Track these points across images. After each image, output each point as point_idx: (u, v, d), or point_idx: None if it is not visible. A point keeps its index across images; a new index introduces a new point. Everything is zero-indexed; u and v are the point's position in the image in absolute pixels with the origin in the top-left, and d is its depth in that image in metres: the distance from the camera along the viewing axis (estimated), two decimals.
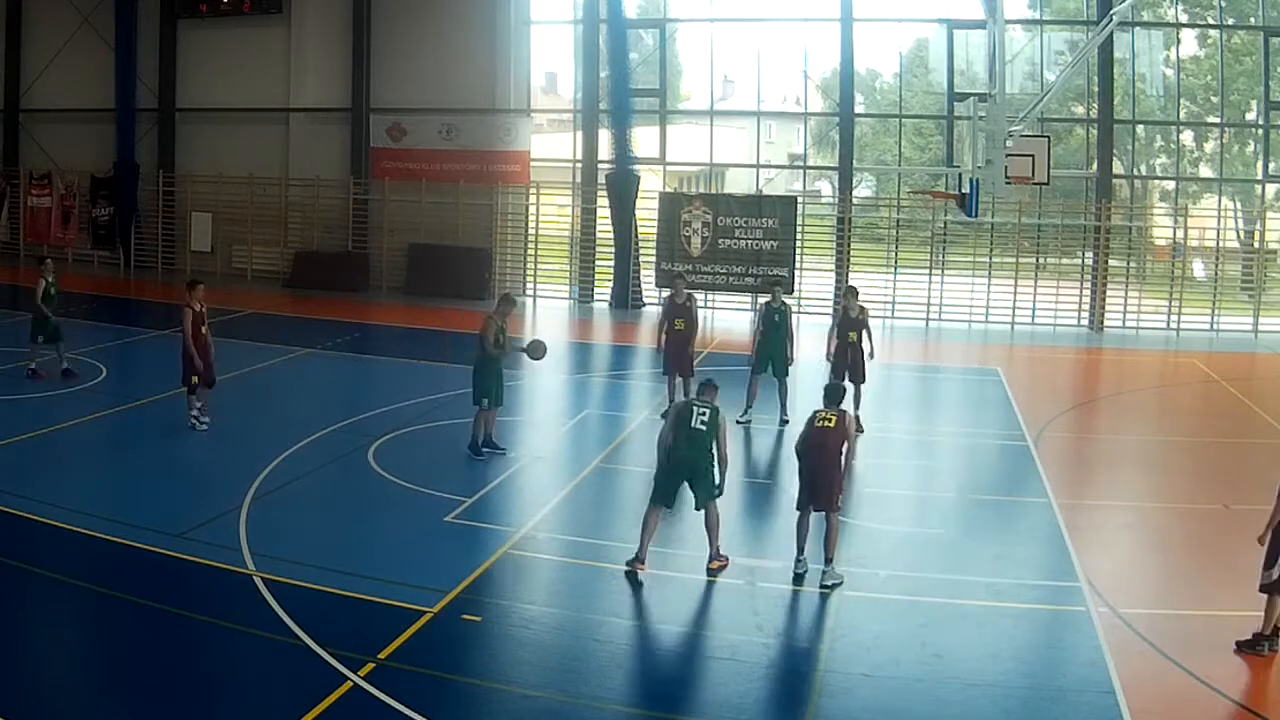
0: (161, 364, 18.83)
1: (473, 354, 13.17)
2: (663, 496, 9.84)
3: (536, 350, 13.17)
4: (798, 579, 9.66)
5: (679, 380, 15.04)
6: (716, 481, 9.84)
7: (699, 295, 25.77)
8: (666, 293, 16.22)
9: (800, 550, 9.80)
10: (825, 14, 25.74)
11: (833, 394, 10.34)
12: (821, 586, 9.52)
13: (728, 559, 9.92)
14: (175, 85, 29.18)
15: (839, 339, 14.90)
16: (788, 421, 14.83)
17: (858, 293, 15.59)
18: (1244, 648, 8.44)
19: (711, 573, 9.78)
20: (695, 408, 9.96)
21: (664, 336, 15.17)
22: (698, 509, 9.83)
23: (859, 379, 14.64)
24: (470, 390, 13.01)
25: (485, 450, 12.96)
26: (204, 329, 14.04)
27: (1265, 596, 8.46)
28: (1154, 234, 27.46)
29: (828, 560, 9.64)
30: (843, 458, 9.85)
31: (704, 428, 9.81)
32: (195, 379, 13.84)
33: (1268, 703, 7.77)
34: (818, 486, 9.74)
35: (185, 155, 29.30)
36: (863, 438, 13.92)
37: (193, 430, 13.76)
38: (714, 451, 9.82)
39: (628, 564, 9.74)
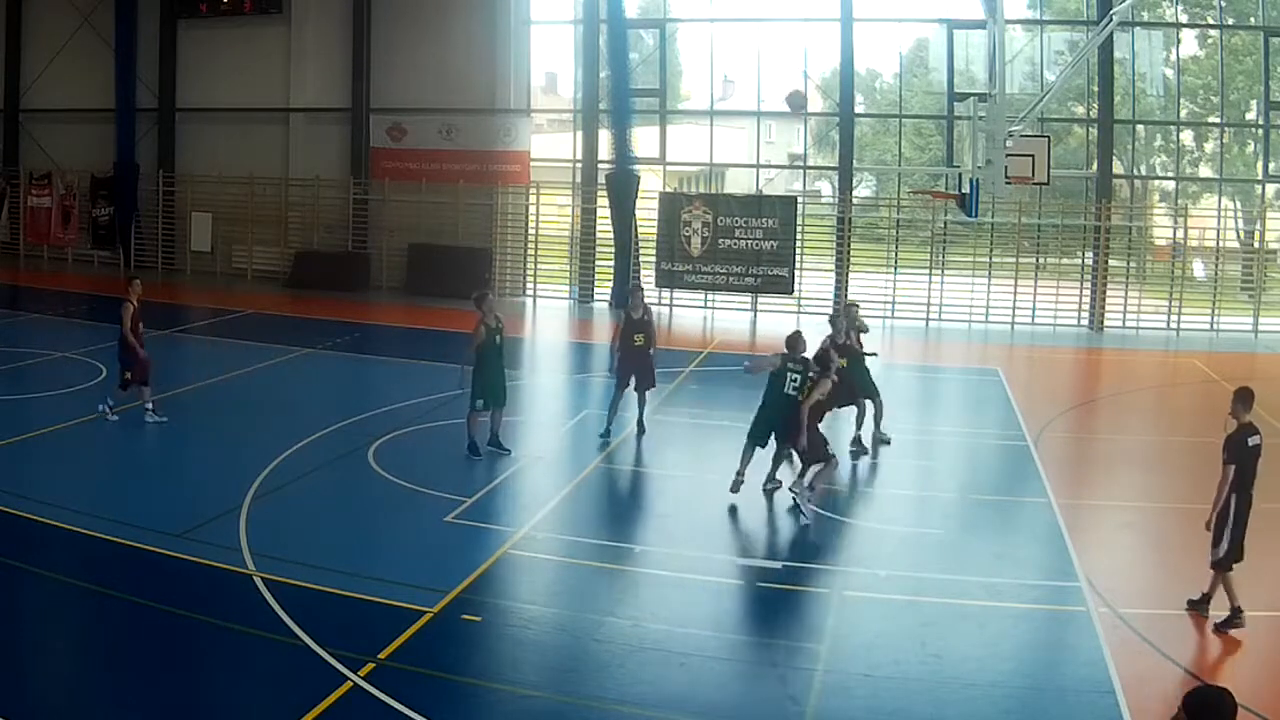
0: (161, 364, 18.87)
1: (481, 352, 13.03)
2: (757, 438, 11.71)
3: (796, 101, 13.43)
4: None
5: (645, 394, 14.15)
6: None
7: (699, 295, 26.11)
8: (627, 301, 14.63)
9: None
10: (825, 14, 25.72)
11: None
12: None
13: (781, 483, 11.65)
14: (175, 85, 29.19)
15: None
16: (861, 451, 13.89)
17: (857, 309, 14.65)
18: (1194, 605, 9.00)
19: (766, 492, 11.68)
20: (789, 373, 11.42)
21: (619, 353, 14.08)
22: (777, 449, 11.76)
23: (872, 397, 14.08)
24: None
25: (490, 447, 12.95)
26: (140, 326, 14.14)
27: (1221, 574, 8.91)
28: (1154, 234, 27.47)
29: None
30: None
31: (795, 393, 11.38)
32: (129, 375, 13.94)
33: (1268, 702, 7.77)
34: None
35: (185, 155, 29.31)
36: (863, 438, 13.87)
37: (106, 421, 13.90)
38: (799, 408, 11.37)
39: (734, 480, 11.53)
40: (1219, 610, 8.91)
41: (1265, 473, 10.29)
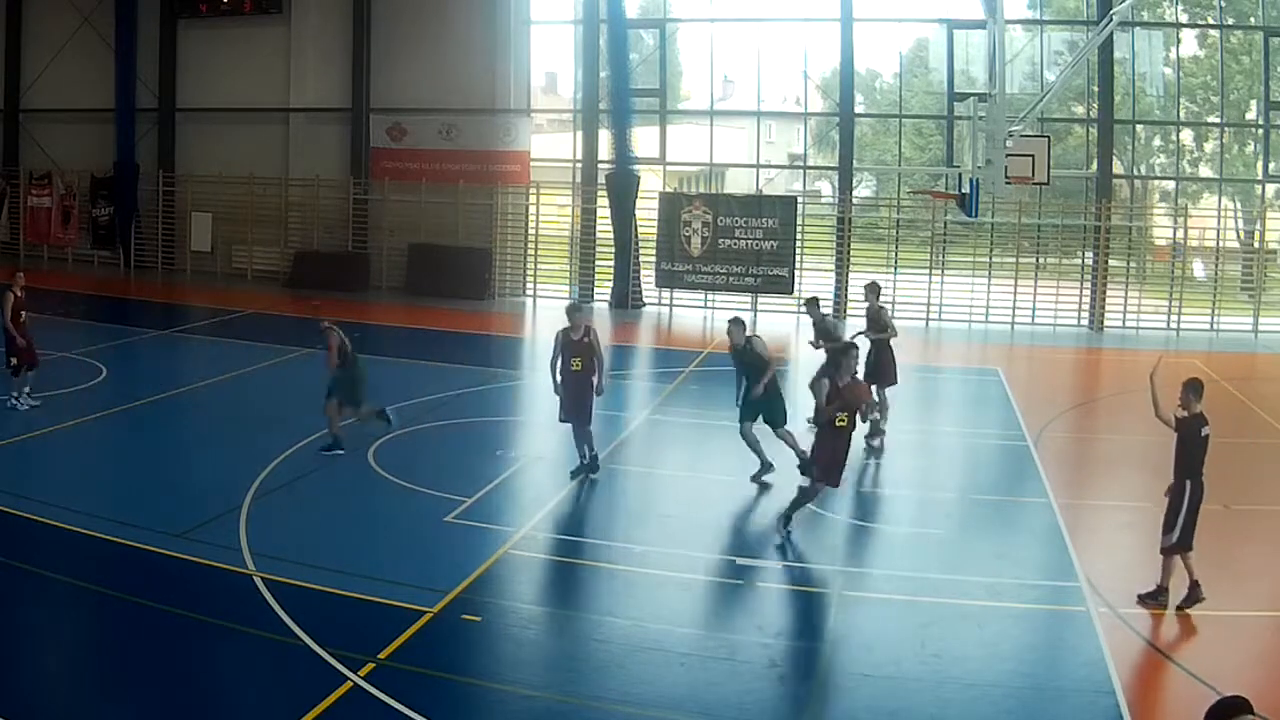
0: (162, 364, 18.92)
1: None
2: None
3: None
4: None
5: (581, 431, 12.52)
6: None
7: (699, 295, 26.11)
8: (562, 326, 12.60)
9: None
10: (825, 14, 25.73)
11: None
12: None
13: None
14: (175, 85, 29.19)
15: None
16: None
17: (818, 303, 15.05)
18: (1145, 599, 9.07)
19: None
20: None
21: (559, 379, 12.44)
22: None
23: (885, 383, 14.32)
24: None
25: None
26: (23, 314, 14.46)
27: (1184, 559, 9.06)
28: (1154, 234, 27.47)
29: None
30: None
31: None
32: (14, 360, 14.25)
33: (1270, 703, 7.77)
34: None
35: (185, 155, 29.31)
36: (862, 436, 13.83)
37: (14, 411, 14.06)
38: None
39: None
40: (1223, 611, 8.91)
41: (1264, 475, 10.34)
